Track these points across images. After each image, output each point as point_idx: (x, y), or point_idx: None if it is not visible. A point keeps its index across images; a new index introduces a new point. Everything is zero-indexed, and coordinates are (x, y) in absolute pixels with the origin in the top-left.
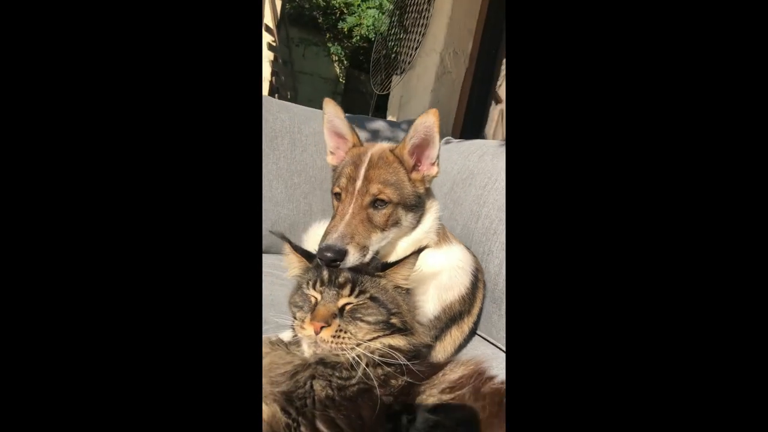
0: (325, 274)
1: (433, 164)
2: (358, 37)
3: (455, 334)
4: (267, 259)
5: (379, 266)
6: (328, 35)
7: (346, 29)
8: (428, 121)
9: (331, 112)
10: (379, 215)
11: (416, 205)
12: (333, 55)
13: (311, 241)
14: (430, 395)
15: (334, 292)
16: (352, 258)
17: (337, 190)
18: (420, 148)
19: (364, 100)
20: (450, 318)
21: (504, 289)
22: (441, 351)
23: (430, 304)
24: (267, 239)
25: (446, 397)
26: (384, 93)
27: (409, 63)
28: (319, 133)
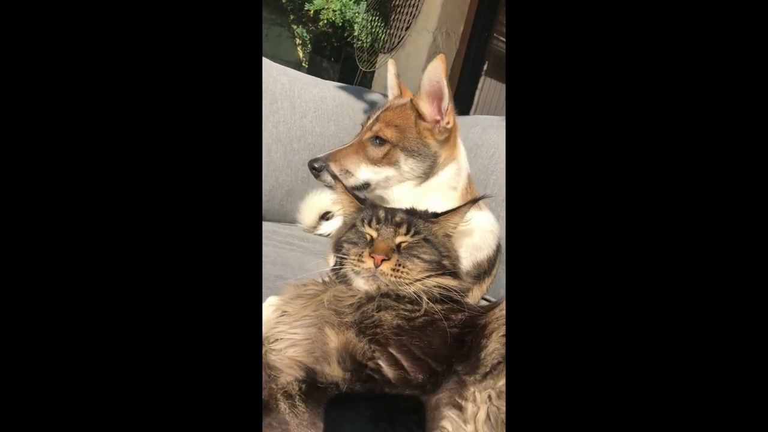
0: (381, 213)
1: (444, 114)
2: (325, 21)
3: (476, 292)
4: (266, 226)
5: (430, 213)
6: (292, 17)
7: (312, 12)
8: (434, 67)
9: (389, 69)
10: (376, 151)
11: (418, 153)
12: (297, 38)
13: (309, 211)
14: (500, 323)
15: (392, 230)
16: (331, 172)
17: (360, 126)
18: (433, 98)
19: None
20: (477, 275)
21: None
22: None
23: (463, 259)
24: (264, 206)
25: None
26: (370, 70)
27: (398, 43)
28: (319, 99)
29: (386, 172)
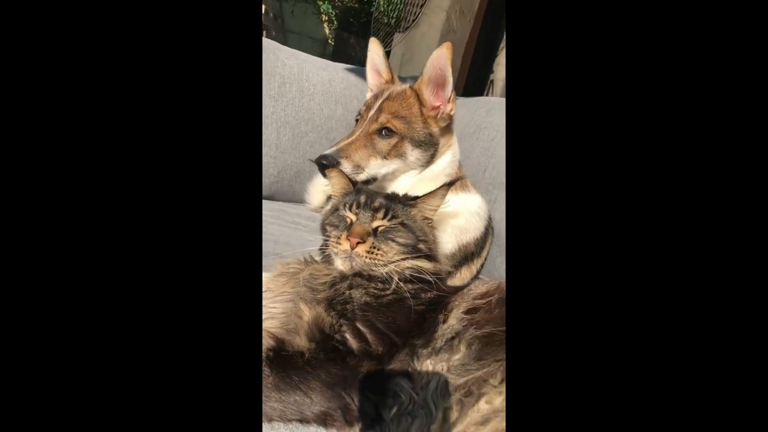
0: (362, 198)
1: (447, 101)
2: None
3: (465, 274)
4: (275, 205)
5: (410, 197)
6: None
7: None
8: (440, 54)
9: (374, 50)
10: (384, 143)
11: (425, 142)
12: (323, 15)
13: (316, 191)
14: (464, 301)
15: (369, 215)
16: (344, 171)
17: (357, 116)
18: (436, 85)
19: (354, 64)
20: (464, 256)
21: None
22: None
23: (448, 241)
24: (273, 186)
25: (478, 301)
26: (385, 50)
27: (413, 21)
28: (327, 82)
29: (394, 164)
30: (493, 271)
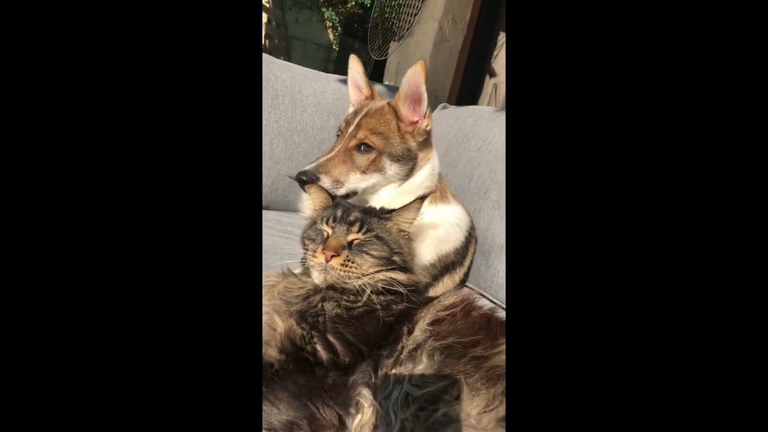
0: (338, 212)
1: (423, 117)
2: (353, 3)
3: (447, 283)
4: (269, 215)
5: (386, 211)
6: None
7: None
8: (414, 72)
9: (354, 67)
10: (362, 158)
11: (403, 157)
12: (327, 21)
13: (309, 201)
14: (428, 313)
15: (345, 228)
16: (323, 186)
17: (338, 132)
18: (413, 101)
19: None
20: (444, 266)
21: (491, 243)
22: (434, 295)
23: (427, 252)
24: (268, 196)
25: (441, 313)
26: (381, 59)
27: (407, 30)
28: (320, 93)
29: (374, 178)
30: (478, 279)
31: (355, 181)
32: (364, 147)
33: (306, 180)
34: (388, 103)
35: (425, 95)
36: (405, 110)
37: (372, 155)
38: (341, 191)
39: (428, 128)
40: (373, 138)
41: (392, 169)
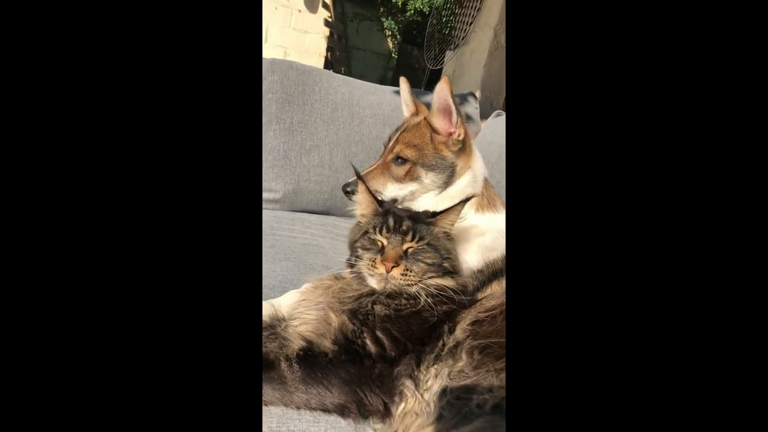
0: (391, 221)
1: (455, 127)
2: (412, 11)
3: (495, 288)
4: (327, 219)
5: (430, 214)
6: (381, 9)
7: (399, 3)
8: (441, 88)
9: (403, 87)
10: (399, 170)
11: (437, 166)
12: (386, 30)
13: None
14: (470, 314)
15: (399, 238)
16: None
17: (384, 143)
18: (445, 114)
19: (416, 76)
20: (492, 273)
21: None
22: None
23: (474, 259)
24: (327, 202)
25: (482, 315)
26: (437, 68)
27: (463, 38)
28: (376, 105)
29: (411, 187)
30: None
31: (393, 190)
32: (400, 159)
33: (350, 191)
34: (425, 118)
35: (454, 108)
36: (439, 123)
37: (407, 166)
38: (380, 198)
39: (460, 138)
40: (407, 151)
41: (428, 177)
